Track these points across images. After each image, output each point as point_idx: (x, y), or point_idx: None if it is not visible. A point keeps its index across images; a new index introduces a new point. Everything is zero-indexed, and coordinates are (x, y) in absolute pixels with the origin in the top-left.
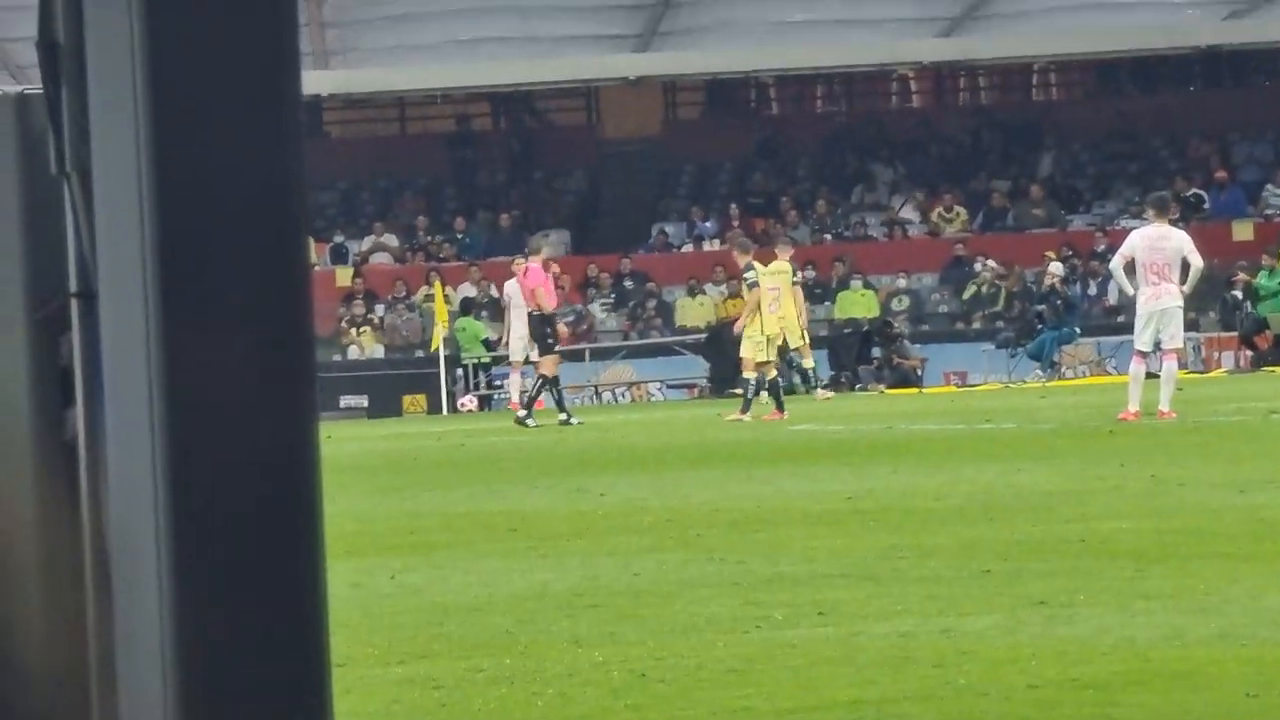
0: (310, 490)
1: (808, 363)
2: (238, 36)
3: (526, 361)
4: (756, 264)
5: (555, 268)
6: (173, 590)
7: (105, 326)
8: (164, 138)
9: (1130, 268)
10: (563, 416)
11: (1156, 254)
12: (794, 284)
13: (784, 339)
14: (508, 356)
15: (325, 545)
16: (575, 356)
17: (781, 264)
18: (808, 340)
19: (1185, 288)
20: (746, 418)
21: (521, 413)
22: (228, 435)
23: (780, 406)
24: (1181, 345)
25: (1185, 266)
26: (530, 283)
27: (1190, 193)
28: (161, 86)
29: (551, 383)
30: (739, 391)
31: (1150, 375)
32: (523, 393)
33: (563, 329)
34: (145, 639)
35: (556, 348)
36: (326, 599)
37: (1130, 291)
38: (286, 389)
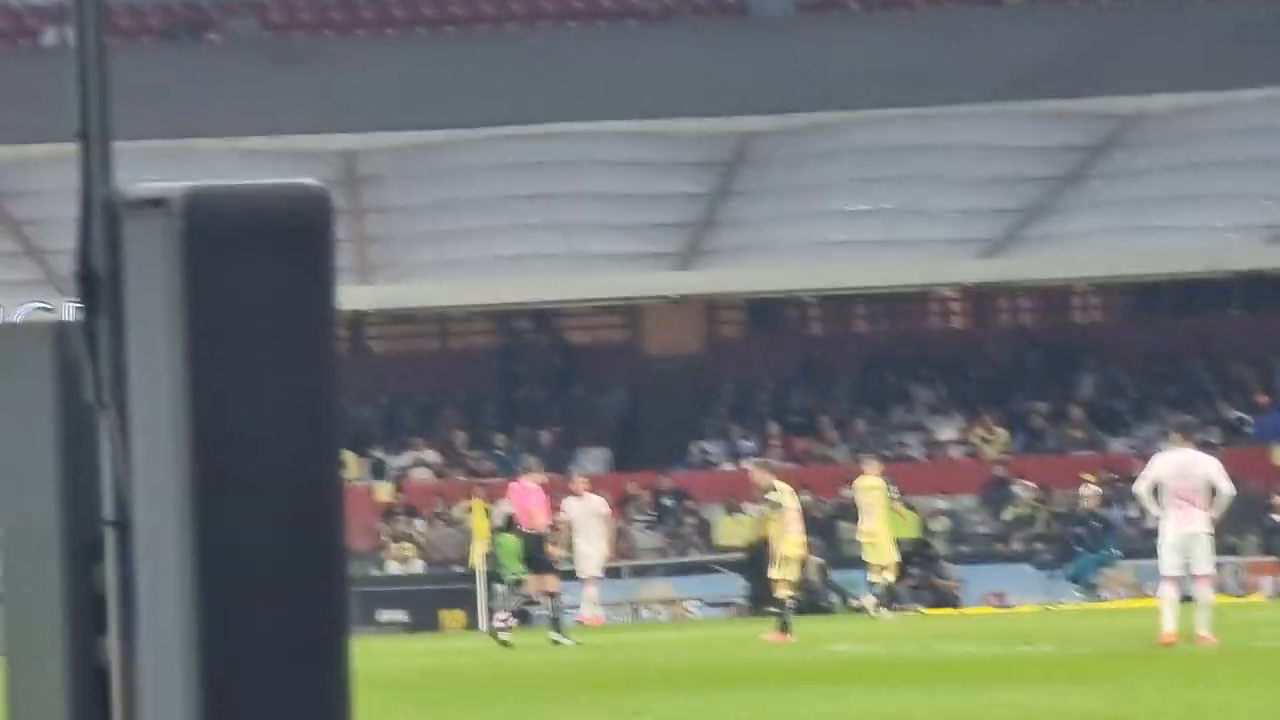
0: (342, 711)
1: (890, 576)
2: (274, 270)
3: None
4: (778, 484)
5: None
6: None
7: (141, 556)
8: (200, 371)
9: (1155, 491)
10: (554, 636)
11: (1185, 480)
12: (892, 499)
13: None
14: (574, 572)
15: None
16: (613, 573)
17: (873, 480)
18: (897, 558)
19: (1215, 513)
20: (786, 639)
21: (554, 635)
22: (263, 666)
23: (784, 629)
24: (1213, 570)
25: (1212, 492)
26: (525, 502)
27: (1234, 415)
28: (199, 321)
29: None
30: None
31: (1185, 598)
32: (550, 618)
33: (551, 549)
34: None
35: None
36: None
37: (1156, 514)
38: (321, 615)
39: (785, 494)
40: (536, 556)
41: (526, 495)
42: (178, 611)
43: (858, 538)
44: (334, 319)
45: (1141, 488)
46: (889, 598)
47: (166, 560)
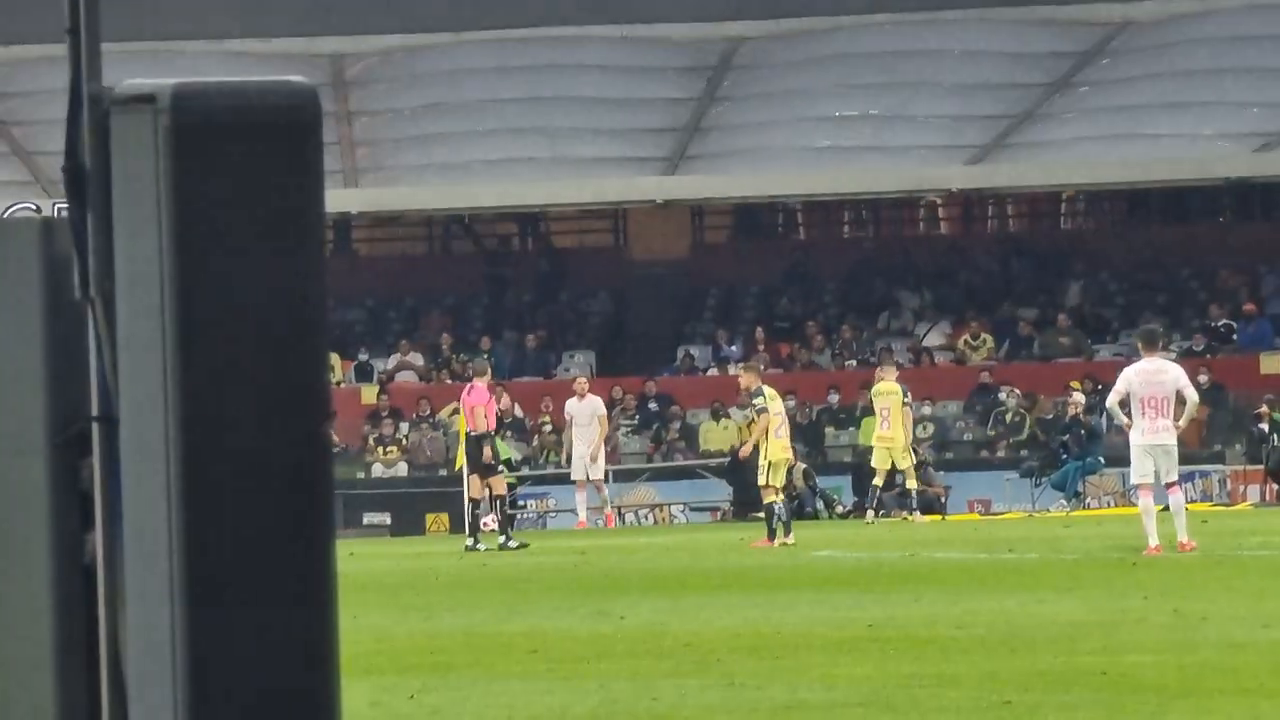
0: (326, 609)
1: (911, 483)
2: (259, 162)
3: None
4: (767, 389)
5: (501, 393)
6: (187, 704)
7: (126, 451)
8: (187, 265)
9: (1124, 401)
10: (502, 539)
11: (1154, 388)
12: (905, 404)
13: (795, 464)
14: (569, 475)
15: (340, 662)
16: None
17: (890, 384)
18: (914, 461)
19: (1180, 422)
20: (774, 544)
21: (501, 538)
22: (246, 559)
23: (771, 535)
24: (1178, 477)
25: (1180, 400)
26: (473, 401)
27: (1222, 323)
28: (185, 215)
29: (498, 502)
30: (760, 516)
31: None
32: (489, 518)
33: (487, 451)
34: None
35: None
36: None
37: (1126, 423)
38: (305, 509)
39: (772, 398)
40: (476, 459)
41: (473, 396)
42: (163, 508)
43: (873, 442)
44: (320, 214)
45: (1112, 400)
46: (900, 502)
47: (152, 456)
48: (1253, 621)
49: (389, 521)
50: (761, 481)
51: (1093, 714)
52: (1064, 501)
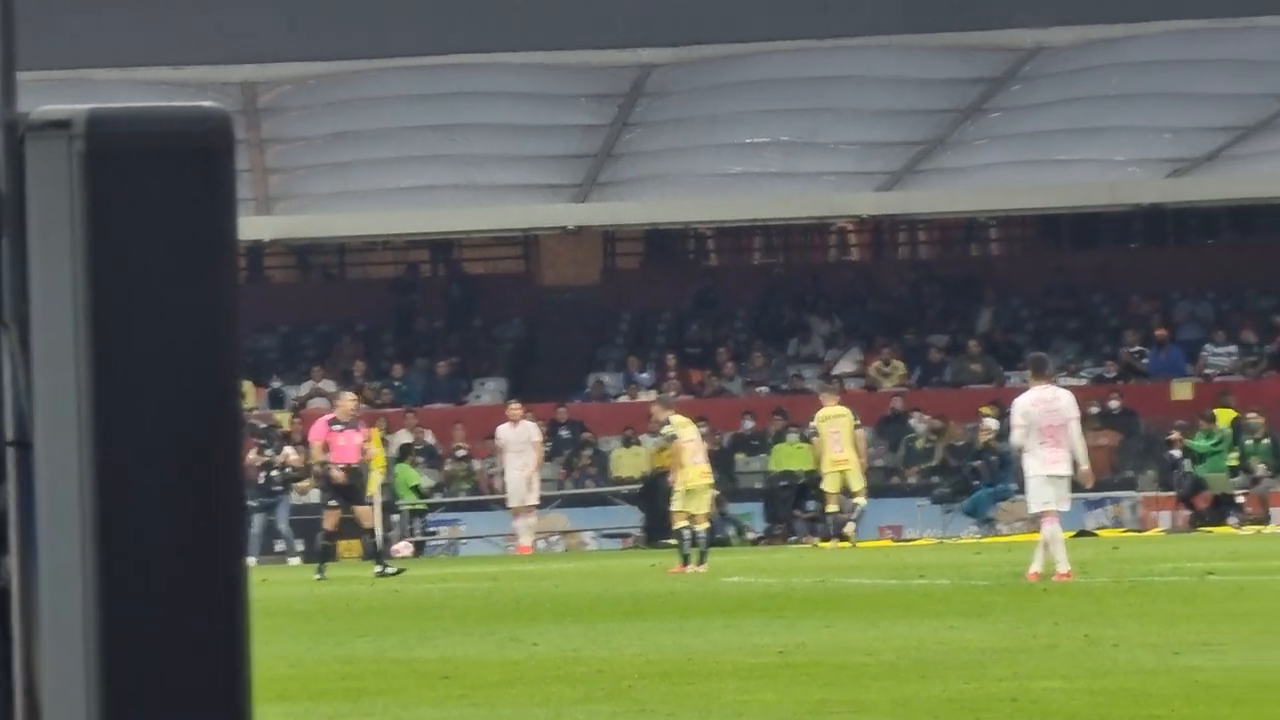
0: (239, 633)
1: (860, 501)
2: (174, 187)
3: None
4: (674, 418)
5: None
6: None
7: (40, 475)
8: (101, 292)
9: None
10: (378, 568)
11: (1051, 416)
12: (857, 427)
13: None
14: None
15: (252, 689)
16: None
17: (839, 408)
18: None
19: (1079, 457)
20: (687, 570)
21: (377, 567)
22: (160, 583)
23: (685, 560)
24: (1068, 508)
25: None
26: (311, 435)
27: (1133, 350)
28: (100, 241)
29: (368, 532)
30: (674, 541)
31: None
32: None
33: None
34: None
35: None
36: None
37: (1022, 448)
38: (218, 534)
39: (682, 425)
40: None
41: (312, 430)
42: (77, 532)
43: (827, 469)
44: (235, 241)
45: (1017, 437)
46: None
47: (66, 480)
48: (1164, 648)
49: (301, 548)
50: (675, 507)
51: None
52: (975, 528)
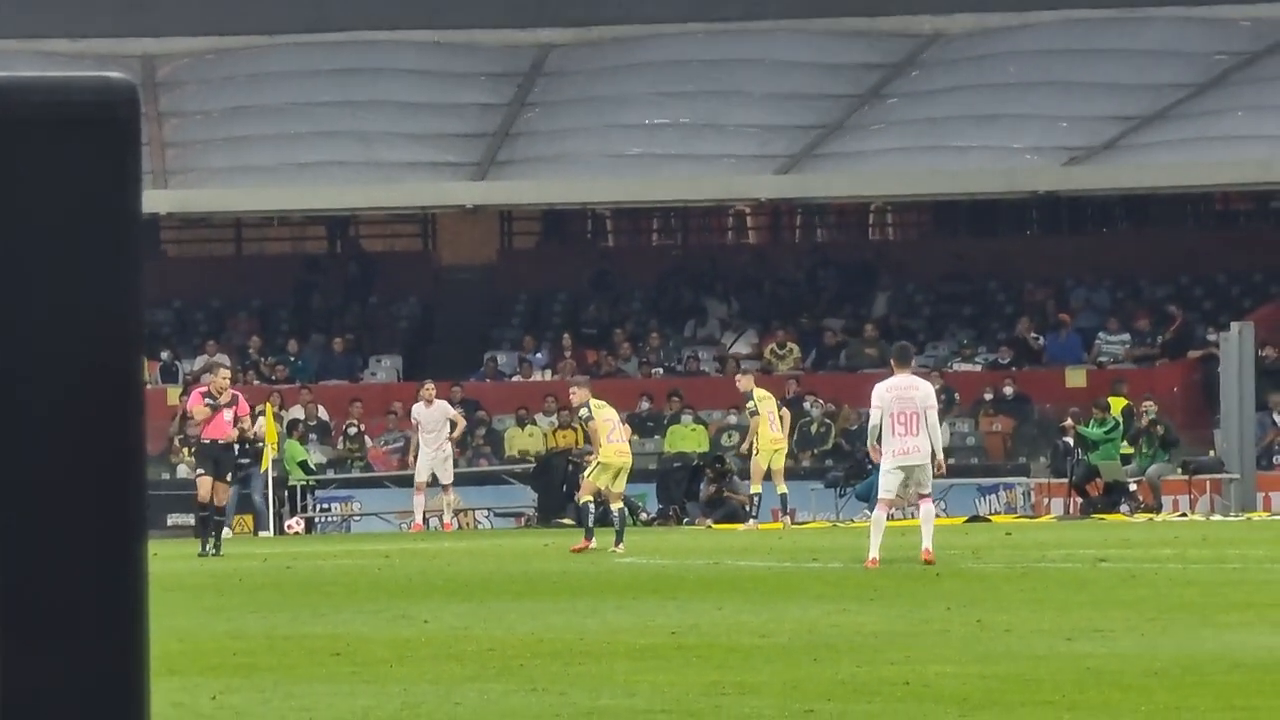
0: (137, 607)
1: (782, 488)
2: (81, 162)
3: (432, 484)
4: (593, 400)
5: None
6: None
7: None
8: (2, 261)
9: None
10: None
11: (904, 404)
12: (782, 409)
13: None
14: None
15: (149, 662)
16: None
17: (764, 390)
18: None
19: (935, 447)
20: (591, 545)
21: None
22: (58, 570)
23: (588, 535)
24: (930, 490)
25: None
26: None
27: (1029, 336)
28: (3, 210)
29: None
30: (568, 521)
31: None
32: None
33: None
34: None
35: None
36: (149, 710)
37: (876, 444)
38: (123, 511)
39: (599, 406)
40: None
41: (199, 400)
42: None
43: (764, 448)
44: (139, 213)
45: (874, 420)
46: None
47: None
48: (1055, 634)
49: (193, 523)
50: (588, 478)
51: None
52: (868, 512)
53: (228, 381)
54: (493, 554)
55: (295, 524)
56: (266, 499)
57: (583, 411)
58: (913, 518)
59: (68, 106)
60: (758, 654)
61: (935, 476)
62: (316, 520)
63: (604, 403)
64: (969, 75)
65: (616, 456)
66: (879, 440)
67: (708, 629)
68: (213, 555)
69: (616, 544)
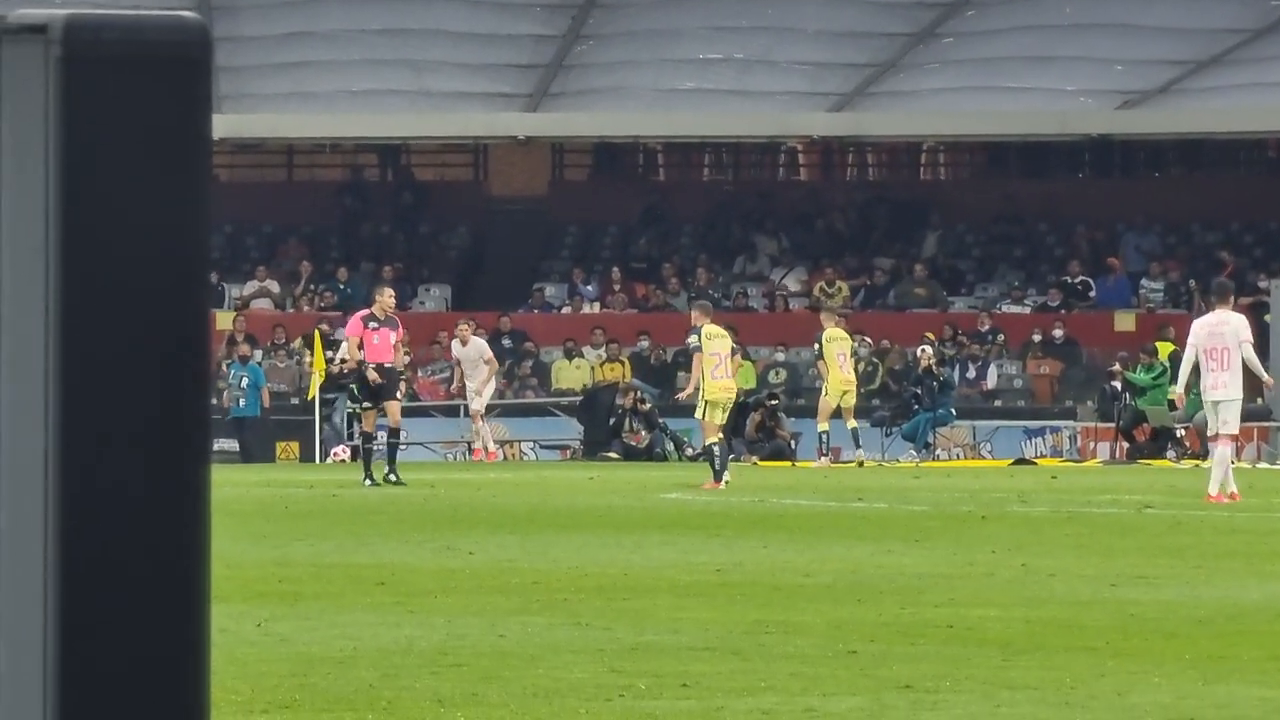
0: (199, 533)
1: (853, 423)
2: (153, 101)
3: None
4: (708, 328)
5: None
6: (58, 623)
7: (4, 358)
8: (76, 197)
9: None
10: (389, 475)
11: (1216, 339)
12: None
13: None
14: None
15: (210, 588)
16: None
17: (841, 330)
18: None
19: (1260, 374)
20: (721, 485)
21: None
22: (122, 497)
23: (717, 476)
24: (1235, 431)
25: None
26: (347, 331)
27: (1078, 280)
28: (76, 147)
29: (393, 433)
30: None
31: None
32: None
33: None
34: (27, 673)
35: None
36: (209, 643)
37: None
38: (186, 437)
39: (709, 337)
40: (366, 391)
41: (348, 327)
42: (38, 437)
43: (836, 388)
44: (209, 152)
45: (1190, 356)
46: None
47: (29, 388)
48: (1100, 580)
49: (239, 448)
50: (698, 416)
51: (937, 666)
52: (914, 452)
53: (393, 303)
54: (538, 486)
55: (342, 451)
56: (314, 424)
57: (691, 339)
58: (957, 459)
59: (142, 45)
60: (801, 593)
61: (1268, 391)
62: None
63: (721, 331)
64: (1024, 16)
65: (722, 393)
66: (1188, 380)
67: (752, 567)
68: (394, 483)
69: (717, 480)
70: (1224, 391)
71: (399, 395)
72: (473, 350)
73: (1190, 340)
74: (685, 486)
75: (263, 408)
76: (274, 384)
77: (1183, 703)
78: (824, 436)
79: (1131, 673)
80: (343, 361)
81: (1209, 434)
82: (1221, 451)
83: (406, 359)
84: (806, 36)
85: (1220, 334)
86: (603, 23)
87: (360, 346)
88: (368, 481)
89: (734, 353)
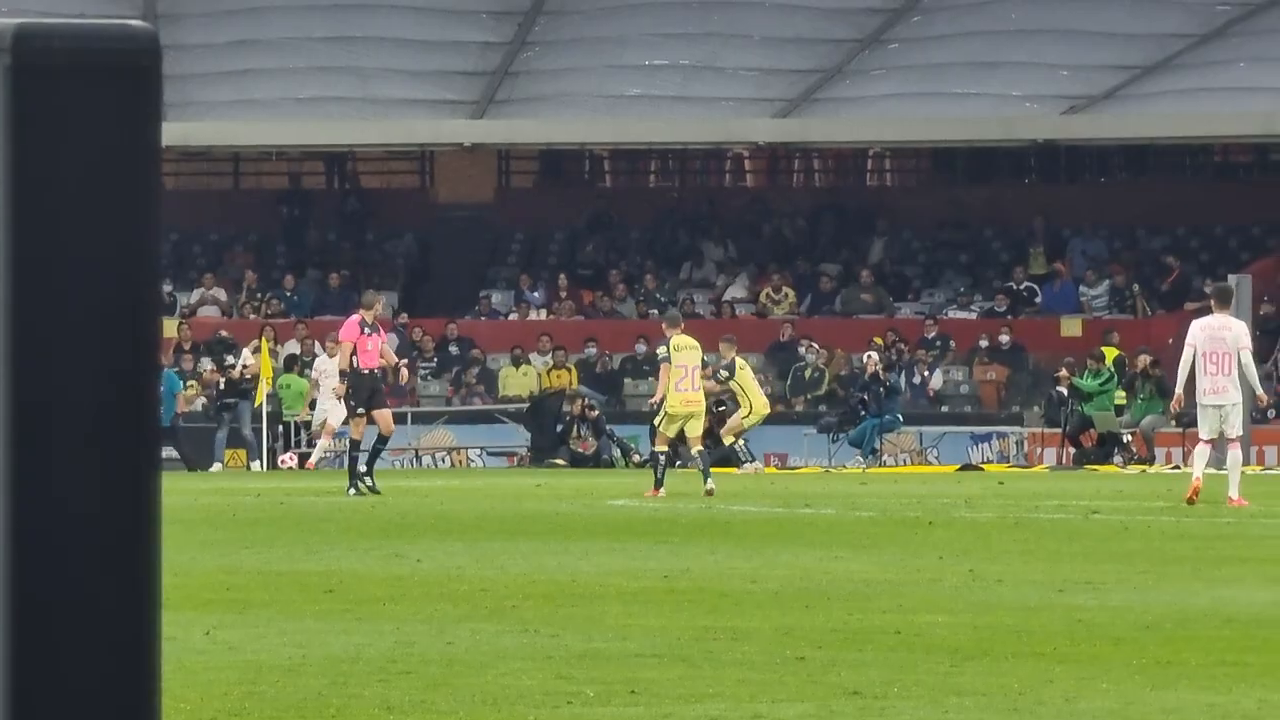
0: (151, 541)
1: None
2: (104, 110)
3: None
4: (677, 339)
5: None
6: (8, 631)
7: None
8: (25, 205)
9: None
10: (367, 482)
11: (1218, 343)
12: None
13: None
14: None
15: (161, 596)
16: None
17: (688, 339)
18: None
19: (1255, 385)
20: (660, 494)
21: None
22: (72, 505)
23: (659, 484)
24: (1241, 433)
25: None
26: (340, 336)
27: (1024, 285)
28: (26, 155)
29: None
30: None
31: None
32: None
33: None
34: None
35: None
36: (159, 652)
37: (1178, 402)
38: (137, 448)
39: (678, 349)
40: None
41: (341, 331)
42: None
43: (680, 408)
44: (159, 160)
45: (1188, 356)
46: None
47: None
48: (1047, 585)
49: (184, 455)
50: (657, 424)
51: (885, 673)
52: (860, 458)
53: (383, 304)
54: (485, 493)
55: (289, 459)
56: (259, 433)
57: (661, 350)
58: (904, 465)
59: (91, 54)
60: (749, 600)
61: (1260, 405)
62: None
63: (691, 343)
64: (970, 22)
65: (683, 406)
66: (1185, 381)
67: (699, 574)
68: (370, 492)
69: (657, 488)
70: (1226, 395)
71: (385, 403)
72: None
73: (1189, 340)
74: (633, 493)
75: (175, 414)
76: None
77: (1130, 708)
78: (737, 448)
79: (1079, 679)
80: (244, 368)
81: (1205, 437)
82: (1234, 455)
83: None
84: (753, 43)
85: (1221, 338)
86: (549, 30)
87: (354, 352)
88: (352, 490)
89: (705, 365)
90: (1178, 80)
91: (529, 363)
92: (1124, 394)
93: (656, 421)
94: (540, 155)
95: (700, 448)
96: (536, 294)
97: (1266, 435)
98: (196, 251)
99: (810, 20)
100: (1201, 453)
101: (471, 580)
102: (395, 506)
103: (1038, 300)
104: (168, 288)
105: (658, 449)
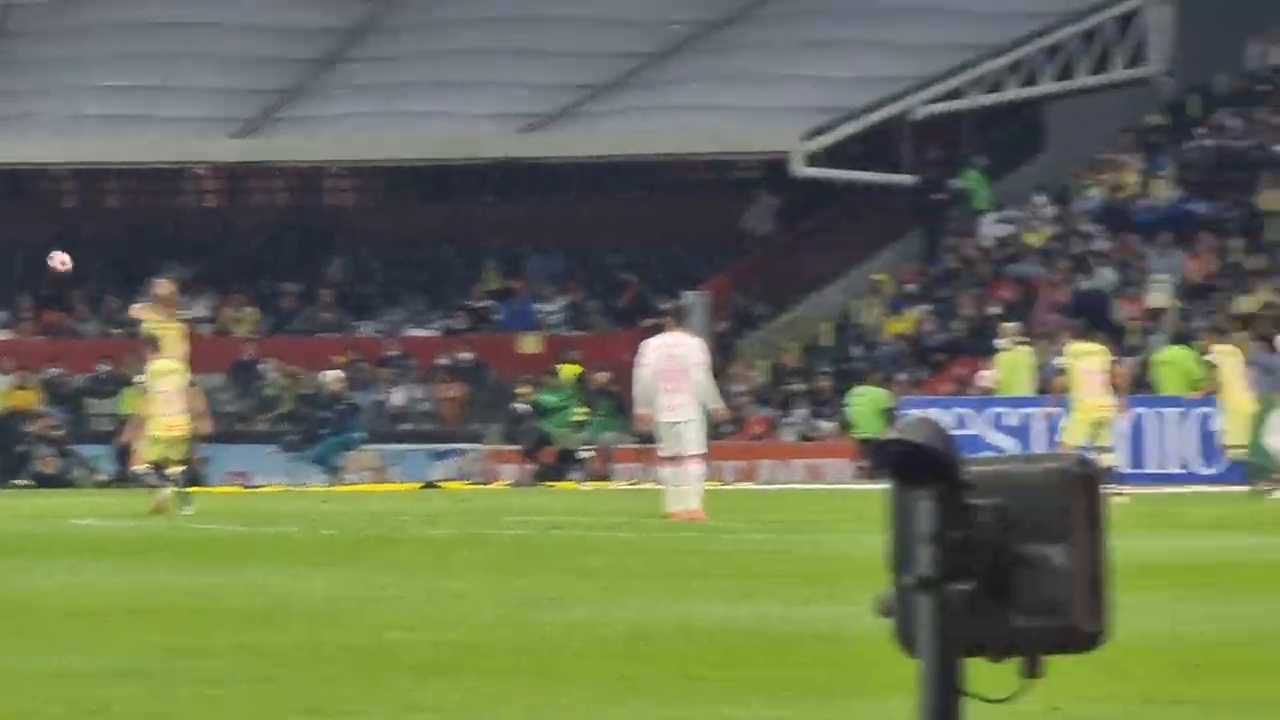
0: None
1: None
2: None
3: None
4: (160, 363)
5: None
6: None
7: None
8: None
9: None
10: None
11: (672, 360)
12: None
13: None
14: None
15: None
16: None
17: (172, 363)
18: None
19: (709, 401)
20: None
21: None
22: None
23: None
24: (702, 450)
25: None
26: None
27: (483, 303)
28: None
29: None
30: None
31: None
32: None
33: None
34: None
35: None
36: None
37: (645, 415)
38: None
39: (160, 374)
40: None
41: None
42: None
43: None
44: None
45: (645, 375)
46: None
47: None
48: (508, 600)
49: None
50: (140, 445)
51: (348, 689)
52: (323, 475)
53: None
54: None
55: None
56: None
57: (144, 371)
58: (366, 483)
59: None
60: (211, 618)
61: (717, 419)
62: None
63: (173, 367)
64: (428, 41)
65: (165, 430)
66: (650, 399)
67: (164, 592)
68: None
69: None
70: (683, 412)
71: None
72: None
73: (643, 360)
74: (99, 512)
75: None
76: None
77: None
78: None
79: (540, 694)
80: None
81: (666, 454)
82: (694, 470)
83: None
84: (213, 62)
85: (675, 355)
86: (10, 50)
87: None
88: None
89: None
90: (635, 99)
91: None
92: (584, 410)
93: (141, 445)
94: (1, 176)
95: (179, 470)
96: (1, 314)
97: (725, 451)
98: None
99: (271, 40)
100: (670, 471)
101: None
102: None
103: (497, 318)
104: None
105: (139, 468)
